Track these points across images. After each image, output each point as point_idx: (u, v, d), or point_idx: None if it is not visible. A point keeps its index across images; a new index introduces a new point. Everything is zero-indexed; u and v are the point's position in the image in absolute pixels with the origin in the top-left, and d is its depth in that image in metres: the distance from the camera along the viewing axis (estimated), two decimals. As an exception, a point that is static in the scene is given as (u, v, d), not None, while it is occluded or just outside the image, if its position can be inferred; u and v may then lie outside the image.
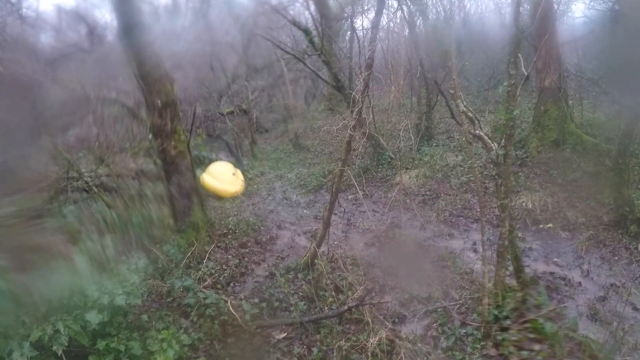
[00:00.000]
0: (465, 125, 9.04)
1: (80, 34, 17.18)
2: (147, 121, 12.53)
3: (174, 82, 12.37)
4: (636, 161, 13.59)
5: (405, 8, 18.01)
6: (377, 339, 8.47)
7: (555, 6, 18.45)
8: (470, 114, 9.12)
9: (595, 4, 22.11)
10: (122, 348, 7.09)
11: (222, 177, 17.65)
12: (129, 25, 11.18)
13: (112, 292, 7.18)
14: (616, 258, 11.12)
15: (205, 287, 10.30)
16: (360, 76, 10.59)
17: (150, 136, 12.53)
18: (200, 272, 10.96)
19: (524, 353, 7.90)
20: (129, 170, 14.54)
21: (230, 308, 9.16)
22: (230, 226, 13.60)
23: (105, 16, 18.13)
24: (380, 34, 22.46)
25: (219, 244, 12.58)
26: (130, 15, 11.11)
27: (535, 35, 16.26)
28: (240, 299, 10.03)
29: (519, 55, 8.43)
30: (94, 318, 6.75)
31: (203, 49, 22.73)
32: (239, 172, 18.71)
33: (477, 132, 9.11)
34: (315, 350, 8.62)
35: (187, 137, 12.95)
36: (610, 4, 20.00)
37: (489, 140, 8.95)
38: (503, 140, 8.64)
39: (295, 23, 20.09)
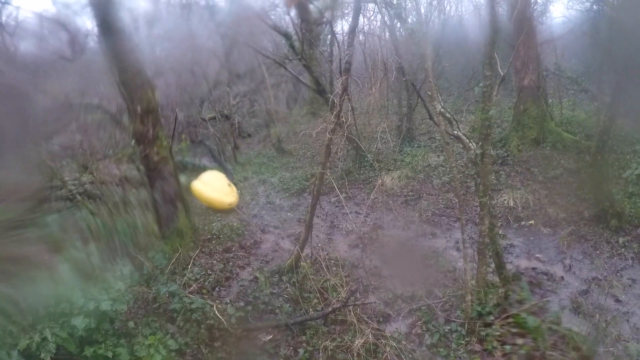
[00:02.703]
0: (442, 126, 9.15)
1: (61, 41, 17.12)
2: (130, 128, 12.53)
3: (155, 89, 12.39)
4: (615, 157, 13.79)
5: (384, 11, 18.17)
6: (362, 340, 8.55)
7: (533, 7, 18.63)
8: (448, 115, 9.24)
9: (574, 4, 22.40)
10: (110, 354, 7.12)
11: (216, 186, 16.48)
12: (110, 32, 11.21)
13: (97, 299, 7.21)
14: (598, 252, 11.26)
15: (190, 293, 10.32)
16: (339, 81, 10.68)
17: (133, 142, 12.54)
18: (185, 278, 10.99)
19: (507, 347, 8.04)
20: (112, 177, 14.52)
21: (216, 312, 9.21)
22: (214, 231, 13.65)
23: (87, 24, 18.08)
24: (361, 37, 22.62)
25: (204, 249, 12.60)
26: (111, 22, 11.14)
27: (514, 35, 16.44)
28: (226, 303, 10.06)
29: (495, 55, 8.56)
30: (80, 323, 6.78)
31: (184, 56, 22.72)
32: (232, 185, 17.40)
33: (456, 132, 9.22)
34: (301, 351, 8.70)
35: (170, 143, 12.96)
36: (588, 4, 20.28)
37: (467, 140, 9.07)
38: (480, 140, 8.76)
39: (276, 28, 20.19)
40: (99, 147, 15.72)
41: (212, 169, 19.93)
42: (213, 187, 16.34)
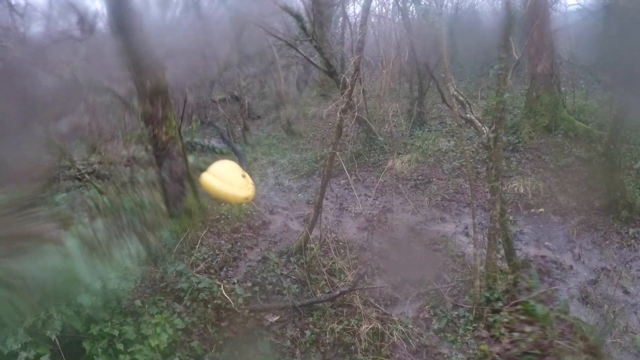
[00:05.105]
0: (455, 108, 9.07)
1: (71, 22, 17.06)
2: (139, 108, 12.50)
3: (165, 70, 12.33)
4: (627, 147, 13.67)
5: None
6: (370, 325, 8.53)
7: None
8: (461, 98, 9.16)
9: (589, -9, 22.21)
10: (116, 333, 7.07)
11: (229, 178, 14.85)
12: (120, 12, 11.14)
13: (104, 277, 7.19)
14: (607, 242, 11.21)
15: (198, 272, 10.30)
16: (351, 61, 10.59)
17: (141, 123, 12.51)
18: (193, 257, 10.96)
19: (515, 334, 7.99)
20: (120, 158, 14.53)
21: (224, 292, 9.18)
22: (222, 211, 13.55)
23: (96, 4, 18.03)
24: (373, 19, 22.46)
25: (212, 229, 12.54)
26: (121, 3, 11.07)
27: (527, 21, 16.30)
28: (233, 283, 10.05)
29: (510, 39, 8.45)
30: (86, 300, 6.75)
31: (195, 37, 22.63)
32: (247, 175, 15.87)
33: (468, 115, 9.15)
34: (308, 332, 8.65)
35: (179, 123, 12.92)
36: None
37: (479, 124, 8.99)
38: (494, 124, 8.67)
39: (287, 9, 20.04)
40: (108, 129, 15.72)
41: (222, 150, 19.90)
42: (225, 179, 14.79)
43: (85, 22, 16.39)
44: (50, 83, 13.15)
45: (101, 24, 16.81)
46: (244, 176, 15.36)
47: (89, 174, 13.50)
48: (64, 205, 11.40)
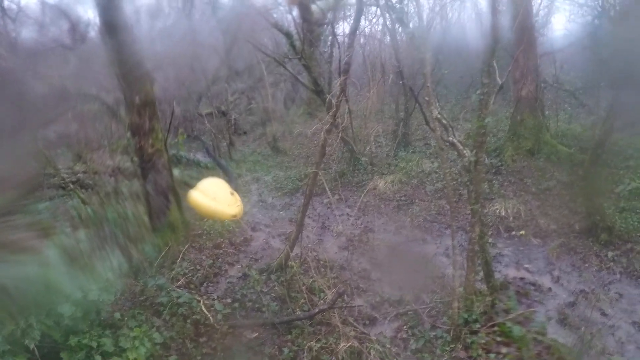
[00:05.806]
0: (438, 131, 9.16)
1: (62, 29, 17.09)
2: (126, 119, 12.50)
3: (154, 82, 12.36)
4: (608, 170, 13.81)
5: (386, 15, 18.18)
6: (348, 344, 8.54)
7: (535, 18, 18.68)
8: (444, 121, 9.25)
9: (575, 17, 22.51)
10: (94, 344, 7.06)
11: (217, 195, 14.93)
12: (111, 23, 11.17)
13: (85, 288, 7.19)
14: (586, 265, 11.28)
15: (178, 287, 10.29)
16: (337, 82, 10.70)
17: (128, 134, 12.51)
18: (174, 272, 10.93)
19: (492, 356, 8.03)
20: (106, 168, 14.50)
21: (203, 308, 9.18)
22: (205, 227, 13.56)
23: (88, 13, 18.05)
24: (362, 40, 22.63)
25: (193, 244, 12.56)
26: (113, 13, 11.10)
27: (514, 45, 16.48)
28: (213, 299, 10.07)
29: (494, 64, 8.57)
30: (67, 310, 6.75)
31: (184, 50, 22.67)
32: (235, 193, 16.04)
33: (451, 138, 9.24)
34: (286, 350, 8.67)
35: (165, 136, 12.93)
36: (590, 18, 20.37)
37: (461, 147, 9.09)
38: (475, 148, 8.78)
39: (277, 26, 20.19)
40: (95, 138, 15.70)
41: (207, 164, 19.84)
42: (213, 196, 14.84)
43: (76, 30, 16.43)
44: (39, 89, 13.12)
45: (92, 33, 16.89)
46: (232, 194, 15.30)
47: (73, 183, 13.47)
48: (47, 214, 11.35)
